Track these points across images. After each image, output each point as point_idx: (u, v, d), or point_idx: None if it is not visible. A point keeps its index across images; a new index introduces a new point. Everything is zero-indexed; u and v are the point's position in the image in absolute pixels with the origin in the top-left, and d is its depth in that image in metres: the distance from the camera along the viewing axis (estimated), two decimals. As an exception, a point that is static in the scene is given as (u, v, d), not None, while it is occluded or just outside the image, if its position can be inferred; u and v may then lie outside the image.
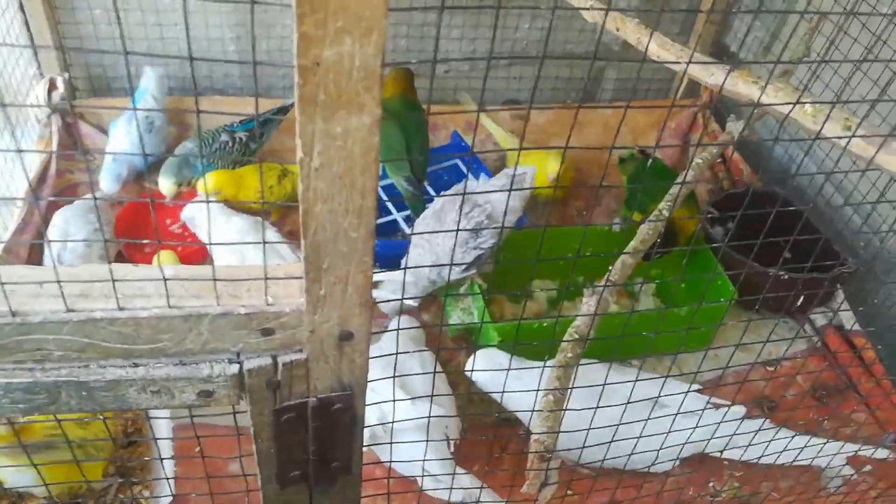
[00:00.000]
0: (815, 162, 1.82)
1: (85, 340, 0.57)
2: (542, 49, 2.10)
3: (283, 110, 1.85)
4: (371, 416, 1.07)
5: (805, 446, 1.12)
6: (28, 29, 1.71)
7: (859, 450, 1.30)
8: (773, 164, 2.01)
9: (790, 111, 0.61)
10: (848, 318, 1.65)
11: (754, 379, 1.57)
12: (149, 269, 0.58)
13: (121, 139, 1.70)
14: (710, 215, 1.73)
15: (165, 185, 1.61)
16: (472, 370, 1.21)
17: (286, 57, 1.93)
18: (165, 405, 0.62)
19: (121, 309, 0.56)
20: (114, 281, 0.55)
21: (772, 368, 1.61)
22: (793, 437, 1.18)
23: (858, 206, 1.64)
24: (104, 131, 1.80)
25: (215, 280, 0.56)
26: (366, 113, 0.46)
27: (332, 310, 0.59)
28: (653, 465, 0.96)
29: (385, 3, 0.42)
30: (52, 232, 1.47)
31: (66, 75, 1.80)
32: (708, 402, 1.29)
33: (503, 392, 1.17)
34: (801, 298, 1.60)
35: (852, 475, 1.33)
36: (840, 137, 0.61)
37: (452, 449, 1.18)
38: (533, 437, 0.95)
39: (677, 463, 1.25)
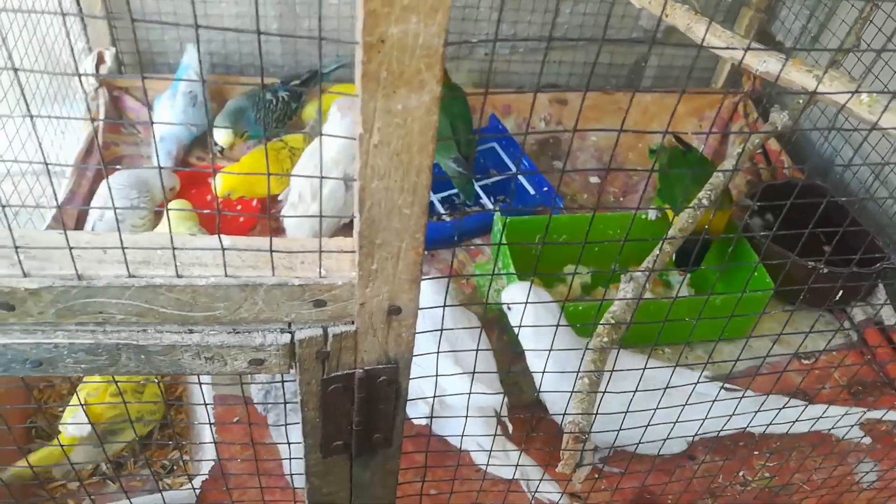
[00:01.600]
0: (861, 154, 1.78)
1: (145, 306, 0.59)
2: (584, 34, 2.08)
3: (314, 75, 1.87)
4: (429, 390, 1.09)
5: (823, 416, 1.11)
6: (78, 3, 1.75)
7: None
8: (814, 155, 1.98)
9: (847, 101, 0.60)
10: (888, 315, 1.63)
11: (790, 370, 1.56)
12: (207, 239, 0.60)
13: (165, 114, 1.74)
14: (748, 207, 1.71)
15: (221, 134, 1.64)
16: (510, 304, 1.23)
17: (329, 35, 1.95)
18: (218, 371, 0.64)
19: (179, 276, 0.58)
20: (174, 249, 0.57)
21: (808, 362, 1.60)
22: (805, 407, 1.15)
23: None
24: (150, 106, 1.84)
25: (272, 251, 0.58)
26: (426, 91, 0.47)
27: (383, 284, 0.60)
28: (664, 445, 0.96)
29: (452, -18, 0.42)
30: (96, 200, 1.52)
31: (114, 49, 1.83)
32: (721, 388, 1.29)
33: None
34: (841, 293, 1.58)
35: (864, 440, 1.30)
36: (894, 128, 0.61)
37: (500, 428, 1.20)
38: (567, 418, 0.96)
39: (690, 442, 1.25)
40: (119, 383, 1.15)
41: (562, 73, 2.15)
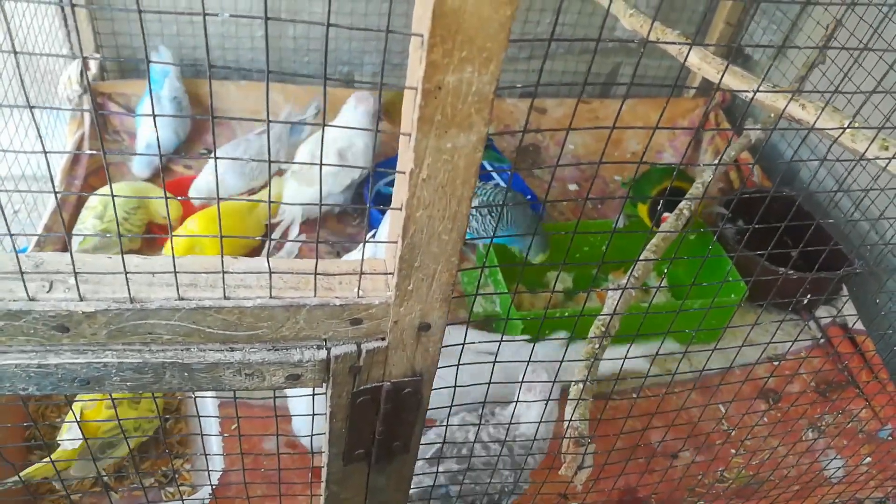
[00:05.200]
0: (825, 166, 1.88)
1: (192, 326, 0.62)
2: (561, 44, 2.14)
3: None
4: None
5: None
6: (62, 10, 1.74)
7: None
8: (782, 165, 2.07)
9: (839, 136, 0.66)
10: (851, 317, 1.72)
11: (759, 370, 1.64)
12: (251, 262, 0.63)
13: (149, 120, 1.74)
14: (721, 215, 1.79)
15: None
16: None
17: (313, 44, 1.97)
18: (256, 387, 0.67)
19: (227, 298, 0.61)
20: (224, 273, 0.60)
21: (777, 363, 1.68)
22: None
23: (866, 210, 1.70)
24: (132, 111, 1.84)
25: (316, 274, 0.61)
26: (474, 132, 0.51)
27: (416, 303, 0.64)
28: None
29: (507, 38, 0.47)
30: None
31: (98, 56, 1.83)
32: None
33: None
34: (808, 297, 1.66)
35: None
36: (880, 158, 0.67)
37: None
38: (567, 423, 1.01)
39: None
40: (115, 394, 1.17)
41: (540, 81, 2.21)
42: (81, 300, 0.58)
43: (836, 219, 1.83)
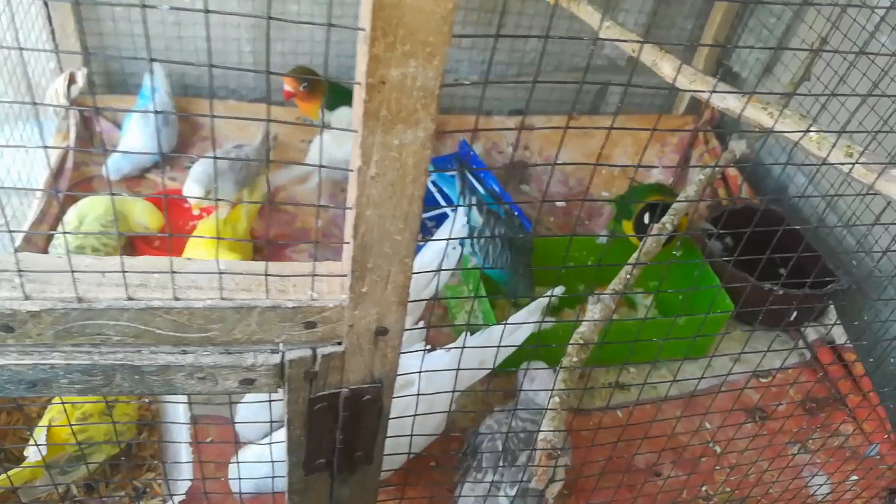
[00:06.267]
0: (813, 183, 1.87)
1: (142, 327, 0.61)
2: (550, 62, 2.15)
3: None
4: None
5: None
6: (50, 23, 1.75)
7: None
8: (770, 182, 2.07)
9: (800, 139, 0.66)
10: (839, 334, 1.71)
11: (749, 388, 1.62)
12: (203, 263, 0.62)
13: (136, 132, 1.74)
14: (708, 231, 1.79)
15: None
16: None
17: (301, 60, 1.98)
18: (209, 391, 0.66)
19: (177, 299, 0.60)
20: (173, 273, 0.59)
21: (765, 380, 1.66)
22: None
23: (852, 227, 1.70)
24: (119, 126, 1.84)
25: (266, 275, 0.61)
26: (421, 127, 0.51)
27: (372, 306, 0.63)
28: None
29: (449, 32, 0.46)
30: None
31: (85, 70, 1.83)
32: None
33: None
34: (795, 313, 1.65)
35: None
36: (843, 164, 0.67)
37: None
38: (540, 435, 1.00)
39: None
40: (87, 406, 1.16)
41: (529, 98, 2.22)
42: (26, 299, 0.57)
43: (824, 236, 1.82)
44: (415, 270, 1.15)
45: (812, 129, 0.68)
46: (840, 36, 1.68)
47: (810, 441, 1.53)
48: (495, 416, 1.23)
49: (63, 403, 1.13)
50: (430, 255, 1.36)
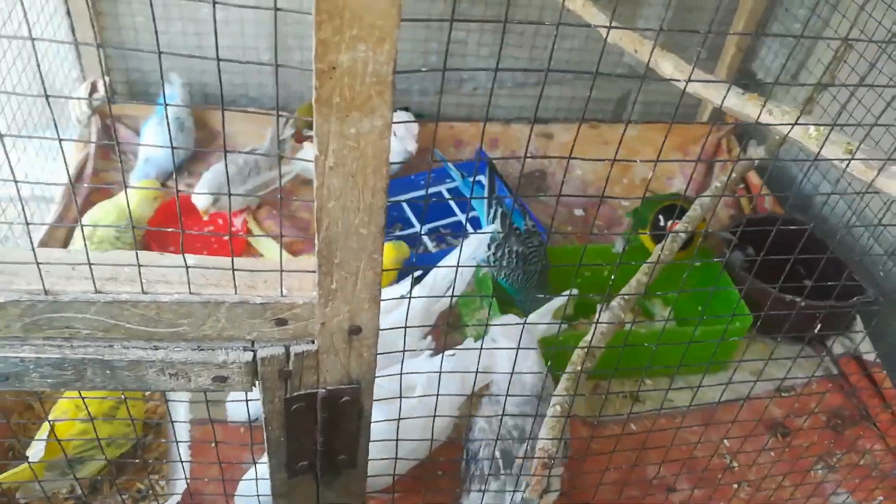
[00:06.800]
0: (841, 192, 1.82)
1: (110, 321, 0.60)
2: (569, 68, 2.13)
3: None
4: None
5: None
6: (73, 32, 1.79)
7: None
8: (795, 191, 2.01)
9: (788, 131, 0.63)
10: (866, 348, 1.64)
11: (770, 403, 1.57)
12: (172, 258, 0.62)
13: (152, 139, 1.77)
14: (728, 241, 1.74)
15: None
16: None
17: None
18: (183, 388, 0.65)
19: (144, 293, 0.60)
20: (139, 266, 0.59)
21: (787, 395, 1.61)
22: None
23: (880, 236, 1.64)
24: (138, 134, 1.87)
25: (234, 270, 0.60)
26: (377, 115, 0.49)
27: (343, 304, 0.62)
28: None
29: (398, 14, 0.45)
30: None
31: (107, 79, 1.87)
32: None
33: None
34: (819, 326, 1.59)
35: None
36: (840, 159, 0.63)
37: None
38: (539, 443, 0.97)
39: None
40: (91, 408, 1.16)
41: (548, 108, 2.20)
42: (-8, 290, 0.57)
43: (850, 245, 1.76)
44: (423, 291, 1.13)
45: (807, 122, 0.65)
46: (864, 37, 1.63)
47: (834, 460, 1.47)
48: (483, 410, 1.20)
49: (76, 397, 1.14)
50: (442, 273, 1.35)
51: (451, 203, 1.91)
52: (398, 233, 1.81)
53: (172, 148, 1.65)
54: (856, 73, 1.64)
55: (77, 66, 1.84)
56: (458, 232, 1.84)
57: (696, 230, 1.43)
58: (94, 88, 1.83)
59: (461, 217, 1.91)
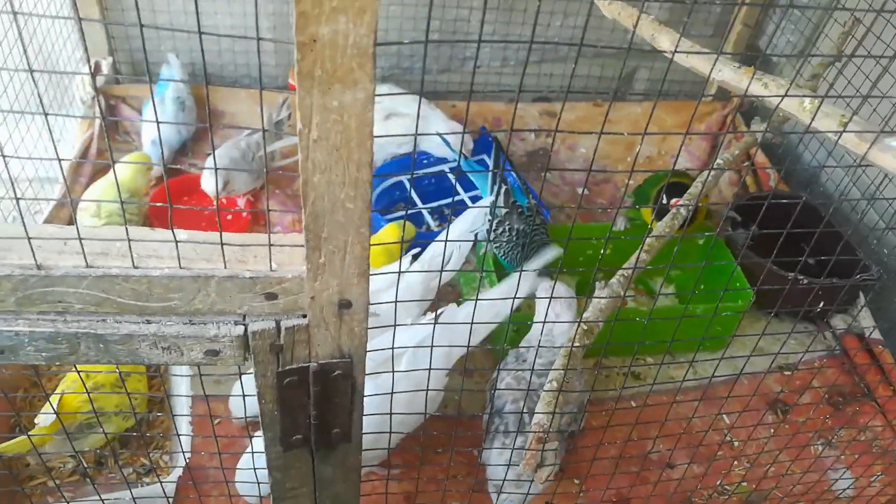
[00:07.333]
0: (845, 169, 1.80)
1: (102, 295, 0.61)
2: (573, 48, 2.11)
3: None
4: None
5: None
6: (76, 12, 1.79)
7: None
8: (801, 172, 2.00)
9: (779, 103, 0.62)
10: (869, 326, 1.64)
11: (770, 379, 1.57)
12: (163, 233, 0.62)
13: (153, 118, 1.78)
14: (732, 219, 1.73)
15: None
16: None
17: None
18: (175, 361, 0.66)
19: (135, 267, 0.60)
20: (129, 240, 0.59)
21: (788, 373, 1.61)
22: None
23: (884, 213, 1.62)
24: (141, 113, 1.87)
25: (223, 244, 0.60)
26: (360, 88, 0.50)
27: (332, 278, 0.62)
28: None
29: (377, -15, 0.45)
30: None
31: (111, 59, 1.87)
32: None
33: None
34: (821, 304, 1.59)
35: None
36: (832, 132, 0.63)
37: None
38: (535, 417, 0.98)
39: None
40: (99, 377, 1.18)
41: (552, 86, 2.18)
42: (-15, 265, 0.58)
43: (855, 225, 1.75)
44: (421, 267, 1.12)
45: (795, 94, 0.64)
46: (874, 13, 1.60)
47: (835, 437, 1.47)
48: (510, 364, 1.20)
49: (79, 372, 1.16)
50: (440, 248, 1.35)
51: (455, 182, 1.91)
52: (399, 213, 1.81)
53: (159, 123, 1.65)
54: (863, 47, 1.62)
55: (80, 46, 1.84)
56: (461, 210, 1.84)
57: (697, 204, 1.42)
58: (97, 69, 1.83)
59: (464, 196, 1.91)
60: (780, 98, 0.62)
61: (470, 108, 2.08)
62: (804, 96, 0.65)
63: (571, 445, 1.19)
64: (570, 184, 2.03)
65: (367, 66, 0.48)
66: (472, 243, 1.47)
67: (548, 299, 1.23)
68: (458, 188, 1.91)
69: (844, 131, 0.63)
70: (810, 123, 0.61)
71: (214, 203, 1.71)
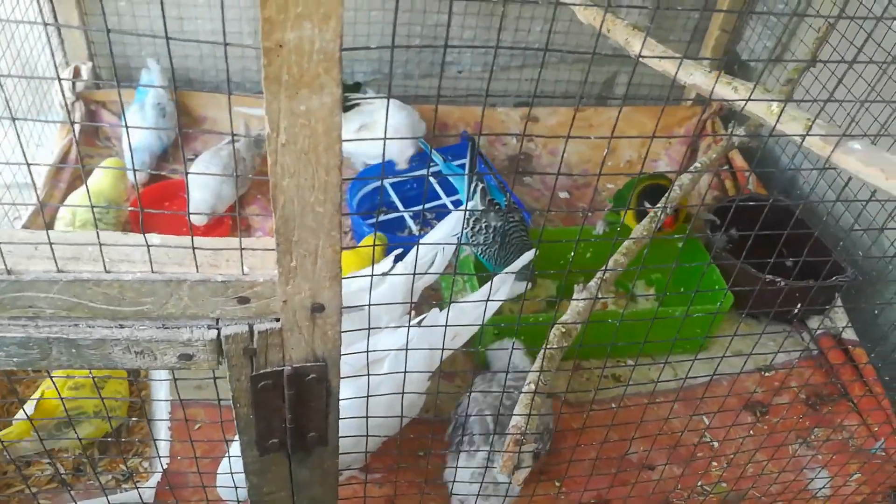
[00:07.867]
0: (819, 172, 1.82)
1: (74, 300, 0.61)
2: (554, 53, 2.13)
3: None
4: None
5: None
6: (55, 18, 1.78)
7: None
8: (778, 172, 2.02)
9: (743, 106, 0.63)
10: (845, 326, 1.66)
11: (748, 381, 1.59)
12: (135, 237, 0.63)
13: (135, 125, 1.77)
14: (710, 222, 1.75)
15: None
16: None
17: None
18: (149, 366, 0.66)
19: (107, 272, 0.61)
20: (101, 245, 0.60)
21: (766, 374, 1.62)
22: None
23: (859, 216, 1.65)
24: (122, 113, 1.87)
25: (194, 248, 0.61)
26: (326, 93, 0.50)
27: (304, 281, 0.63)
28: None
29: (342, -8, 0.46)
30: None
31: (91, 64, 1.86)
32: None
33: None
34: (798, 305, 1.61)
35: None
36: (797, 135, 0.64)
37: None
38: (513, 420, 0.98)
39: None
40: (79, 378, 1.18)
41: (534, 91, 2.20)
42: (-45, 270, 0.58)
43: (830, 226, 1.77)
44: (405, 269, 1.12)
45: (757, 98, 0.65)
46: (848, 21, 1.63)
47: (812, 437, 1.49)
48: (479, 386, 1.21)
49: (52, 378, 1.16)
50: (423, 250, 1.35)
51: (436, 187, 1.92)
52: (382, 217, 1.82)
53: (129, 129, 1.65)
54: (837, 53, 1.65)
55: (60, 50, 1.83)
56: (443, 214, 1.85)
57: (677, 206, 1.44)
58: (76, 74, 1.82)
59: (446, 201, 1.91)
60: (745, 101, 0.63)
61: (452, 113, 2.08)
62: (771, 100, 0.67)
63: (537, 467, 1.20)
64: (551, 188, 2.05)
65: (334, 71, 0.49)
66: (455, 246, 1.48)
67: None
68: (441, 193, 1.92)
69: (807, 135, 0.65)
70: (774, 126, 0.62)
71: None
